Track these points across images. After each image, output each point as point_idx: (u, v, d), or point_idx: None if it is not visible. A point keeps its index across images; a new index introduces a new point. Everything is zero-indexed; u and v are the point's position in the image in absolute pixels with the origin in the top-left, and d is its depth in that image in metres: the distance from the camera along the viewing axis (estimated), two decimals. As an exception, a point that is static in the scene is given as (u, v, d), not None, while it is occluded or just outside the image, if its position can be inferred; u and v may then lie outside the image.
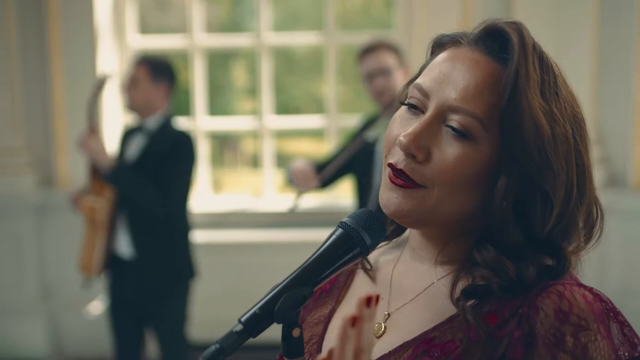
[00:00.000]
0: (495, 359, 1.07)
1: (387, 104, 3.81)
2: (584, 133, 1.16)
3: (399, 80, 3.87)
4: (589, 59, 5.08)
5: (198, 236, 4.23)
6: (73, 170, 5.40)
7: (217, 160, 6.94)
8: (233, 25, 6.80)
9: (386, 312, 1.23)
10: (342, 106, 5.97)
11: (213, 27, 6.31)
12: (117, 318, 4.08)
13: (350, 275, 1.36)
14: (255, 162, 6.69)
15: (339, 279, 1.37)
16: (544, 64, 1.14)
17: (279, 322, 1.07)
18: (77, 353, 5.39)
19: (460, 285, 1.14)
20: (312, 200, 5.42)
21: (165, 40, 5.90)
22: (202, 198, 5.66)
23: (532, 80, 1.10)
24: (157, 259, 3.96)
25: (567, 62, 4.64)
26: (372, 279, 1.31)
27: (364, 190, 3.97)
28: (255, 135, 6.06)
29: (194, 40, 5.73)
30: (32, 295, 5.33)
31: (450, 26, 1.24)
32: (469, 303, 1.11)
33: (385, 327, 1.21)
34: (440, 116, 1.13)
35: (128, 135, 4.16)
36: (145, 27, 5.99)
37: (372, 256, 1.34)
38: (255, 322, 1.05)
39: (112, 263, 4.01)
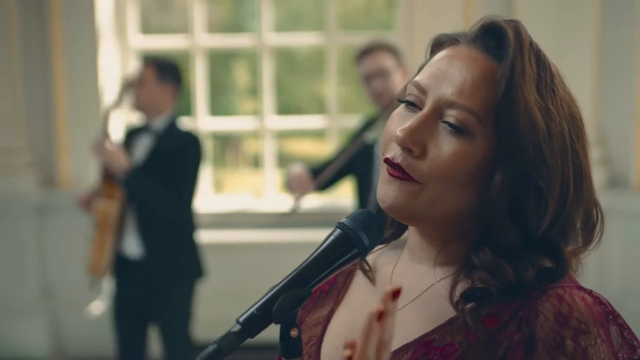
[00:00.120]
0: None
1: (386, 105, 3.81)
2: (582, 134, 1.16)
3: (398, 81, 3.86)
4: (590, 60, 5.08)
5: (199, 236, 4.23)
6: (74, 171, 5.40)
7: (219, 160, 6.94)
8: (234, 25, 6.80)
9: None
10: (343, 106, 5.97)
11: (214, 27, 6.31)
12: (121, 317, 4.09)
13: (349, 276, 1.36)
14: (256, 162, 6.69)
15: (337, 280, 1.36)
16: (541, 61, 1.14)
17: (276, 323, 1.07)
18: (78, 353, 5.39)
19: (460, 288, 1.13)
20: (313, 200, 5.42)
21: (166, 41, 5.91)
22: (203, 198, 5.66)
23: (528, 75, 1.10)
24: (167, 259, 3.97)
25: (568, 63, 4.65)
26: (371, 280, 1.30)
27: (364, 192, 3.97)
28: (257, 135, 6.06)
29: (195, 41, 5.74)
30: (33, 295, 5.34)
31: (451, 27, 1.24)
32: (468, 306, 1.10)
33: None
34: (437, 112, 1.14)
35: (132, 134, 4.17)
36: (146, 28, 5.99)
37: (370, 257, 1.34)
38: (253, 323, 1.05)
39: (118, 263, 4.02)
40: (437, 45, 1.22)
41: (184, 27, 5.88)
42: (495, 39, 1.15)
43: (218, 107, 6.43)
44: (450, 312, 1.14)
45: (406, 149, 1.13)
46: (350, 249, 1.12)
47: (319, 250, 1.12)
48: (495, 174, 1.10)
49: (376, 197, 1.18)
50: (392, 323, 0.98)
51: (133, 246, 3.98)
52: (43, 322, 5.34)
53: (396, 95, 1.25)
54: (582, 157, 1.15)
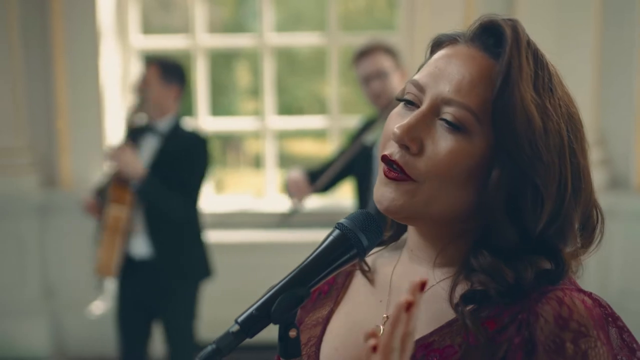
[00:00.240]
0: None
1: (385, 106, 3.80)
2: (580, 135, 1.16)
3: (396, 82, 3.86)
4: (591, 61, 5.08)
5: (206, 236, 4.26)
6: (75, 171, 5.41)
7: (220, 160, 6.94)
8: (236, 25, 6.80)
9: (385, 315, 1.23)
10: (344, 107, 5.97)
11: (216, 27, 6.31)
12: (125, 317, 4.09)
13: (349, 276, 1.35)
14: (257, 162, 6.69)
15: (337, 281, 1.36)
16: (539, 60, 1.14)
17: (275, 323, 1.07)
18: (79, 353, 5.40)
19: (459, 290, 1.13)
20: (315, 201, 5.42)
21: (168, 41, 5.91)
22: (204, 198, 5.66)
23: (525, 73, 1.10)
24: (176, 258, 3.99)
25: (569, 64, 4.64)
26: (371, 281, 1.30)
27: (364, 193, 3.97)
28: (258, 135, 6.06)
29: (196, 41, 5.74)
30: (34, 295, 5.34)
31: (452, 27, 1.25)
32: (468, 308, 1.10)
33: (383, 330, 1.20)
34: (435, 109, 1.14)
35: (134, 133, 4.16)
36: (148, 28, 5.99)
37: (370, 258, 1.33)
38: (252, 323, 1.05)
39: (124, 263, 4.02)
40: (437, 45, 1.22)
41: (185, 27, 5.88)
42: (493, 38, 1.15)
43: (219, 107, 6.43)
44: (450, 314, 1.13)
45: (403, 146, 1.13)
46: (349, 250, 1.12)
47: (317, 251, 1.12)
48: (493, 171, 1.10)
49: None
50: (417, 315, 0.98)
51: (141, 246, 3.98)
52: (44, 322, 5.34)
53: (395, 95, 1.25)
54: (580, 157, 1.14)
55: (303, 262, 1.12)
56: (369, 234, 1.12)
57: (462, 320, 1.10)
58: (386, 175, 1.15)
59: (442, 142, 1.12)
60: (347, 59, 4.06)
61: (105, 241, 3.95)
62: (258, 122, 5.83)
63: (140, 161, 3.89)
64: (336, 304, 1.33)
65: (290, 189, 4.06)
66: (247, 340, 1.06)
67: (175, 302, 4.04)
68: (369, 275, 1.31)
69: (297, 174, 4.08)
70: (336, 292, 1.35)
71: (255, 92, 6.30)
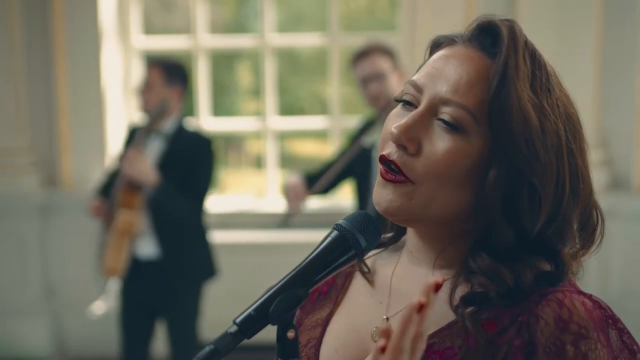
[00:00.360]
0: None
1: (383, 108, 3.79)
2: (579, 135, 1.16)
3: (394, 83, 3.85)
4: (593, 62, 5.07)
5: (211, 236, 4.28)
6: (77, 171, 5.41)
7: (221, 160, 6.94)
8: (237, 26, 6.80)
9: (385, 317, 1.23)
10: (345, 107, 5.97)
11: (217, 27, 6.31)
12: (129, 317, 4.10)
13: (348, 277, 1.35)
14: (259, 162, 6.69)
15: (336, 282, 1.36)
16: (536, 60, 1.14)
17: (273, 324, 1.07)
18: (80, 353, 5.40)
19: (459, 292, 1.13)
20: (316, 202, 5.42)
21: (169, 41, 5.92)
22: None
23: (522, 72, 1.10)
24: (182, 259, 4.01)
25: (570, 65, 4.65)
26: (371, 282, 1.30)
27: (364, 194, 3.98)
28: (259, 136, 6.06)
29: (198, 41, 5.74)
30: (36, 295, 5.34)
31: (453, 28, 1.25)
32: (468, 310, 1.10)
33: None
34: (432, 109, 1.14)
35: (135, 133, 4.17)
36: (149, 28, 5.99)
37: (369, 259, 1.33)
38: (250, 324, 1.05)
39: (130, 264, 4.03)
40: (436, 46, 1.23)
41: (186, 28, 5.89)
42: (491, 38, 1.15)
43: (221, 108, 6.43)
44: (449, 316, 1.13)
45: (401, 146, 1.13)
46: (347, 251, 1.12)
47: (316, 252, 1.12)
48: (490, 171, 1.10)
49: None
50: (429, 316, 0.98)
51: (148, 247, 3.99)
52: (45, 322, 5.35)
53: (394, 97, 1.25)
54: (579, 157, 1.14)
55: (301, 263, 1.11)
56: (367, 235, 1.12)
57: (462, 322, 1.09)
58: (384, 178, 1.15)
59: (440, 142, 1.12)
60: (349, 60, 4.06)
61: (113, 243, 3.95)
62: (259, 123, 5.83)
63: (153, 168, 3.88)
64: (336, 305, 1.32)
65: (288, 195, 4.07)
66: (246, 341, 1.06)
67: (179, 301, 4.05)
68: (369, 276, 1.31)
69: (295, 179, 4.08)
70: (336, 294, 1.34)
71: (257, 92, 6.30)
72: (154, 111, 3.98)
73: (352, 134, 4.33)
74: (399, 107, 1.20)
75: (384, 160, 1.15)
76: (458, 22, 4.84)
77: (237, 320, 1.05)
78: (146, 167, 3.85)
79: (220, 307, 4.30)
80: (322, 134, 6.38)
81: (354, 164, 3.98)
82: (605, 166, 5.12)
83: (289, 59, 6.75)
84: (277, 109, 5.84)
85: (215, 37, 5.90)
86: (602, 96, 5.14)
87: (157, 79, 4.02)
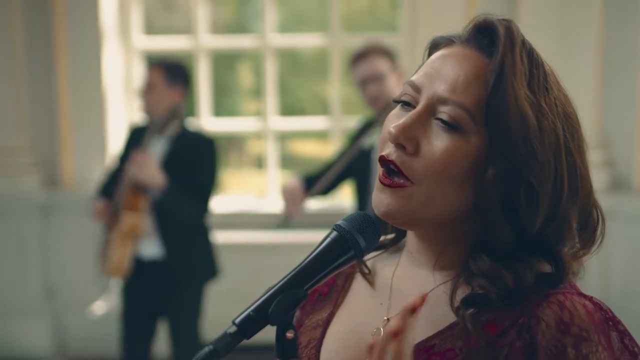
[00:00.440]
0: None
1: (382, 109, 3.79)
2: (578, 135, 1.15)
3: (393, 84, 3.85)
4: (594, 62, 5.07)
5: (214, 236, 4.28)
6: (77, 171, 5.42)
7: (222, 161, 6.94)
8: (239, 26, 6.80)
9: (386, 318, 1.23)
10: (346, 107, 5.97)
11: (219, 28, 6.31)
12: (130, 316, 4.11)
13: (349, 278, 1.35)
14: (259, 163, 6.69)
15: (337, 282, 1.36)
16: (534, 59, 1.14)
17: (272, 324, 1.06)
18: (80, 353, 5.40)
19: (460, 293, 1.13)
20: (318, 202, 5.42)
21: (170, 41, 5.92)
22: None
23: (519, 70, 1.10)
24: (186, 259, 4.01)
25: (571, 66, 4.63)
26: (371, 283, 1.30)
27: (364, 195, 3.98)
28: (260, 136, 6.06)
29: (199, 41, 5.74)
30: (36, 295, 5.35)
31: (454, 28, 1.25)
32: (469, 312, 1.10)
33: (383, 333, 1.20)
34: (430, 109, 1.14)
35: (136, 133, 4.17)
36: (150, 28, 5.99)
37: (369, 261, 1.33)
38: (249, 324, 1.05)
39: (133, 263, 4.04)
40: (434, 47, 1.23)
41: (187, 28, 5.89)
42: (488, 37, 1.15)
43: (222, 108, 6.43)
44: (450, 317, 1.13)
45: (400, 145, 1.13)
46: (347, 251, 1.11)
47: (315, 252, 1.12)
48: (488, 170, 1.10)
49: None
50: (411, 335, 0.98)
51: (152, 248, 3.99)
52: (45, 322, 5.35)
53: (392, 98, 1.25)
54: (577, 156, 1.14)
55: (301, 264, 1.11)
56: (366, 235, 1.12)
57: (463, 324, 1.09)
58: (382, 182, 1.15)
59: (438, 142, 1.12)
60: (347, 60, 4.06)
61: (118, 244, 3.95)
62: (260, 123, 5.84)
63: (160, 171, 3.88)
64: (336, 306, 1.32)
65: (286, 198, 4.07)
66: (245, 341, 1.06)
67: (182, 301, 4.06)
68: (369, 277, 1.30)
69: (294, 182, 4.08)
70: (336, 295, 1.34)
71: (258, 92, 6.30)
72: (166, 115, 3.97)
73: (351, 134, 4.33)
74: (397, 108, 1.20)
75: (383, 160, 1.15)
76: (459, 23, 4.82)
77: (236, 321, 1.05)
78: (154, 169, 3.85)
79: (221, 307, 4.30)
80: (323, 135, 6.38)
81: (354, 165, 3.98)
82: (606, 167, 5.11)
83: (290, 60, 6.75)
84: (278, 110, 5.84)
85: (216, 38, 5.90)
86: (603, 96, 5.14)
87: (158, 80, 4.02)
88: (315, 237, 1.14)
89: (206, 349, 1.02)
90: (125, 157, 4.09)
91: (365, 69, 3.88)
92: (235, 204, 5.83)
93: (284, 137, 6.33)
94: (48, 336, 5.35)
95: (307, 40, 6.04)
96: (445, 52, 1.18)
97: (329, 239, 1.12)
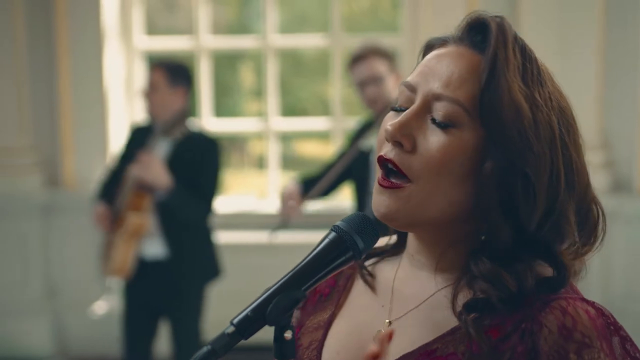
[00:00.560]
0: None
1: (381, 111, 3.78)
2: (573, 129, 1.15)
3: (391, 86, 3.84)
4: (595, 63, 5.06)
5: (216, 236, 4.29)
6: (79, 171, 5.42)
7: (224, 161, 6.94)
8: (240, 26, 6.81)
9: (388, 320, 1.22)
10: (348, 108, 5.97)
11: (220, 28, 6.32)
12: (132, 316, 4.11)
13: (350, 279, 1.34)
14: (261, 163, 6.70)
15: (338, 283, 1.35)
16: (527, 54, 1.14)
17: (270, 325, 1.06)
18: (81, 352, 5.40)
19: (461, 297, 1.13)
20: (318, 203, 5.42)
21: (172, 42, 5.92)
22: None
23: (512, 64, 1.11)
24: (189, 259, 4.02)
25: (572, 66, 4.62)
26: (372, 286, 1.29)
27: (363, 196, 3.98)
28: (262, 136, 6.07)
29: (200, 42, 5.74)
30: (37, 294, 5.35)
31: (455, 28, 1.25)
32: (471, 316, 1.10)
33: None
34: (426, 106, 1.14)
35: (137, 133, 4.17)
36: (152, 28, 6.00)
37: (370, 262, 1.33)
38: (247, 324, 1.05)
39: (136, 264, 4.04)
40: (428, 48, 1.23)
41: (189, 28, 5.89)
42: (481, 34, 1.15)
43: (223, 108, 6.44)
44: (452, 321, 1.13)
45: (397, 143, 1.13)
46: (345, 252, 1.11)
47: (313, 253, 1.12)
48: (485, 164, 1.10)
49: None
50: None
51: (155, 248, 3.99)
52: (46, 322, 5.35)
53: (390, 103, 1.25)
54: (573, 150, 1.14)
55: (299, 264, 1.11)
56: (364, 236, 1.12)
57: (466, 329, 1.09)
58: (381, 185, 1.15)
59: (435, 138, 1.12)
60: (346, 62, 4.06)
61: (121, 244, 3.95)
62: (262, 123, 5.84)
63: (166, 172, 3.87)
64: (338, 307, 1.32)
65: (284, 203, 4.08)
66: (243, 342, 1.06)
67: (184, 301, 4.07)
68: (370, 280, 1.30)
69: (291, 187, 4.09)
70: (337, 296, 1.34)
71: (259, 93, 6.31)
72: (173, 117, 3.97)
73: (350, 135, 4.33)
74: (394, 112, 1.20)
75: (381, 161, 1.15)
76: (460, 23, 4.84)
77: (235, 321, 1.05)
78: (160, 170, 3.85)
79: (221, 307, 4.31)
80: (325, 135, 6.38)
81: (353, 167, 3.98)
82: (607, 168, 5.11)
83: (291, 60, 6.76)
84: (279, 110, 5.84)
85: (218, 38, 5.90)
86: (604, 98, 5.13)
87: (161, 81, 4.02)
88: (316, 238, 1.14)
89: (204, 349, 1.02)
90: (126, 157, 4.09)
91: (363, 70, 3.88)
92: (236, 205, 5.83)
93: (285, 138, 6.33)
94: (49, 336, 5.36)
95: (309, 41, 6.04)
96: (439, 51, 1.18)
97: (327, 240, 1.12)
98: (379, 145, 1.18)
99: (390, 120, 1.17)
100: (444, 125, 1.12)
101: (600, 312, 1.09)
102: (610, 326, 1.08)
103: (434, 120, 1.13)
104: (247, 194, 6.68)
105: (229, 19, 6.87)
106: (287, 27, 6.25)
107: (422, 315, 1.18)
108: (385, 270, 1.30)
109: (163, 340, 4.58)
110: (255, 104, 6.89)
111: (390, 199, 1.13)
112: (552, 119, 1.11)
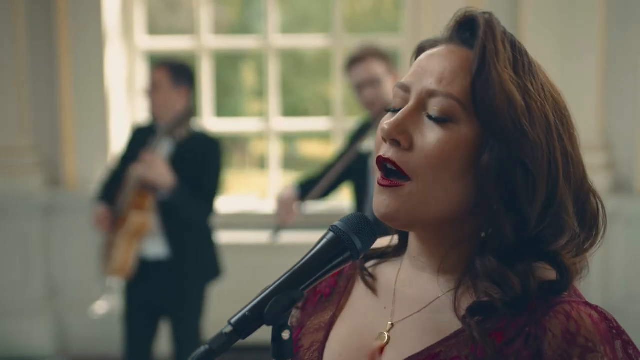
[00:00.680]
0: None
1: (379, 112, 3.77)
2: (567, 121, 1.16)
3: (389, 88, 3.82)
4: (596, 64, 5.06)
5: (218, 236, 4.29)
6: (80, 171, 5.42)
7: (225, 161, 6.95)
8: (242, 26, 6.81)
9: (390, 322, 1.22)
10: (349, 108, 5.97)
11: (222, 28, 6.32)
12: (133, 316, 4.11)
13: (351, 280, 1.34)
14: (262, 163, 6.70)
15: (339, 284, 1.35)
16: (517, 47, 1.15)
17: (268, 325, 1.06)
18: (82, 352, 5.41)
19: (464, 300, 1.13)
20: (318, 204, 5.42)
21: (173, 42, 5.92)
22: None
23: (501, 54, 1.11)
24: (191, 259, 4.02)
25: (573, 67, 4.62)
26: (373, 288, 1.29)
27: (361, 197, 3.98)
28: (263, 136, 6.07)
29: (202, 42, 5.74)
30: (38, 294, 5.35)
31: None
32: (475, 319, 1.10)
33: (388, 337, 1.20)
34: (421, 104, 1.15)
35: (139, 133, 4.17)
36: (153, 28, 6.00)
37: (370, 264, 1.33)
38: (245, 324, 1.05)
39: (137, 263, 4.04)
40: (420, 51, 1.24)
41: (190, 28, 5.89)
42: (469, 31, 1.17)
43: (224, 108, 6.44)
44: (456, 325, 1.13)
45: (394, 141, 1.13)
46: (343, 252, 1.11)
47: (311, 253, 1.12)
48: (482, 156, 1.10)
49: (372, 204, 1.18)
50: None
51: (157, 248, 3.99)
52: (47, 322, 5.36)
53: (389, 103, 1.26)
54: (568, 142, 1.14)
55: (297, 264, 1.11)
56: (362, 236, 1.12)
57: (470, 333, 1.09)
58: (380, 184, 1.15)
59: (431, 134, 1.12)
60: (346, 63, 4.04)
61: (123, 244, 3.95)
62: (263, 123, 5.84)
63: (170, 171, 3.87)
64: (339, 308, 1.31)
65: (279, 208, 4.09)
66: (241, 341, 1.06)
67: (185, 301, 4.07)
68: (370, 282, 1.29)
69: (288, 192, 4.10)
70: (338, 297, 1.33)
71: (260, 93, 6.31)
72: (177, 117, 3.97)
73: (349, 135, 4.33)
74: (391, 113, 1.20)
75: (380, 161, 1.15)
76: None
77: (232, 321, 1.05)
78: (164, 169, 3.85)
79: (222, 307, 4.31)
80: (326, 135, 6.38)
81: (351, 169, 3.98)
82: (608, 169, 5.11)
83: (293, 60, 6.76)
84: (280, 110, 5.84)
85: (220, 38, 5.90)
86: (606, 99, 5.13)
87: (163, 80, 4.02)
88: (316, 239, 1.14)
89: (202, 349, 1.02)
90: (127, 157, 4.10)
91: (361, 73, 3.87)
92: (237, 205, 5.83)
93: (286, 138, 6.33)
94: (50, 336, 5.36)
95: (310, 41, 6.04)
96: (431, 52, 1.20)
97: (325, 240, 1.12)
98: (377, 147, 1.19)
99: (387, 121, 1.18)
100: (440, 120, 1.12)
101: (604, 316, 1.09)
102: (613, 330, 1.08)
103: (430, 117, 1.13)
104: (248, 194, 6.68)
105: (231, 19, 6.87)
106: (289, 27, 6.25)
107: (425, 318, 1.18)
108: (387, 272, 1.29)
109: (164, 340, 4.58)
110: (257, 104, 6.89)
111: (391, 198, 1.14)
112: (546, 109, 1.12)
